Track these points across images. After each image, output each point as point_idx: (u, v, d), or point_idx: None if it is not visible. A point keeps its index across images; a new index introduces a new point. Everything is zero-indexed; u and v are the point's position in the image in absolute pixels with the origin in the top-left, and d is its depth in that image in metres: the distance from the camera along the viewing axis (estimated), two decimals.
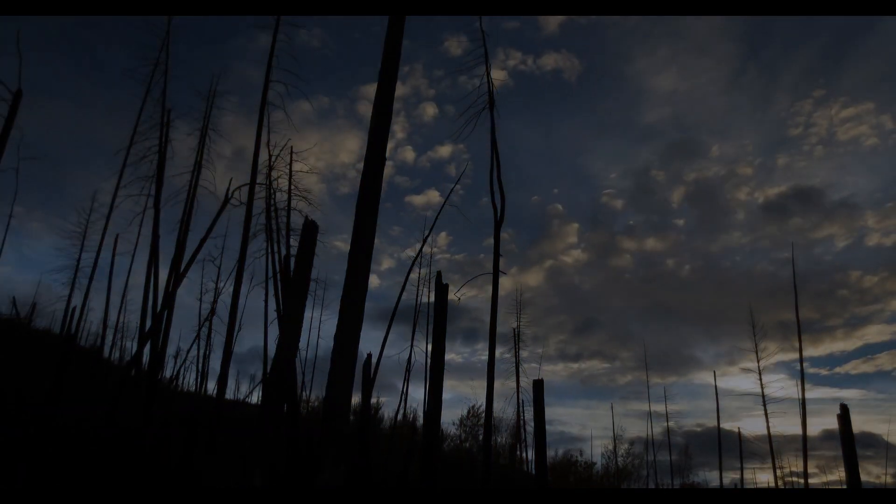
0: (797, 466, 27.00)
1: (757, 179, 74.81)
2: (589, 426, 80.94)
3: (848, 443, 12.02)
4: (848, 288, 61.48)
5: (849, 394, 53.77)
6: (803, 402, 20.23)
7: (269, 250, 16.70)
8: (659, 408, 43.31)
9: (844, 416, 12.14)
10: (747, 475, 29.57)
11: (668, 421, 33.96)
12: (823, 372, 52.26)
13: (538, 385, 13.50)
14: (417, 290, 23.49)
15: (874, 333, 57.97)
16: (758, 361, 24.85)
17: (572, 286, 69.95)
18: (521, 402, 28.35)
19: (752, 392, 24.68)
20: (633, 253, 78.97)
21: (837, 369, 53.03)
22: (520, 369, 28.84)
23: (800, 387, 20.52)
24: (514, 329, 29.90)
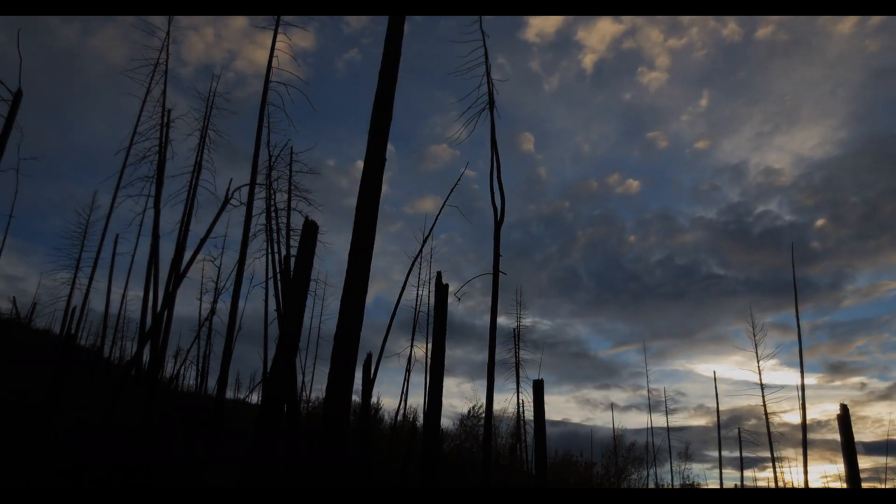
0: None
1: None
2: (567, 412, 77.69)
3: (848, 442, 12.01)
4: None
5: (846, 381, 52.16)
6: (803, 404, 20.22)
7: (269, 250, 16.73)
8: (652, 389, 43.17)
9: (844, 415, 12.13)
10: (748, 473, 29.61)
11: (668, 427, 33.97)
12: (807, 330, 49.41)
13: (538, 385, 13.48)
14: (417, 290, 23.50)
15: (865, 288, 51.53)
16: (758, 363, 24.90)
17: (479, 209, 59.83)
18: (520, 402, 28.36)
19: (751, 382, 24.84)
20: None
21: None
22: (520, 369, 28.87)
23: (799, 389, 20.53)
24: (514, 329, 29.91)
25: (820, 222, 55.99)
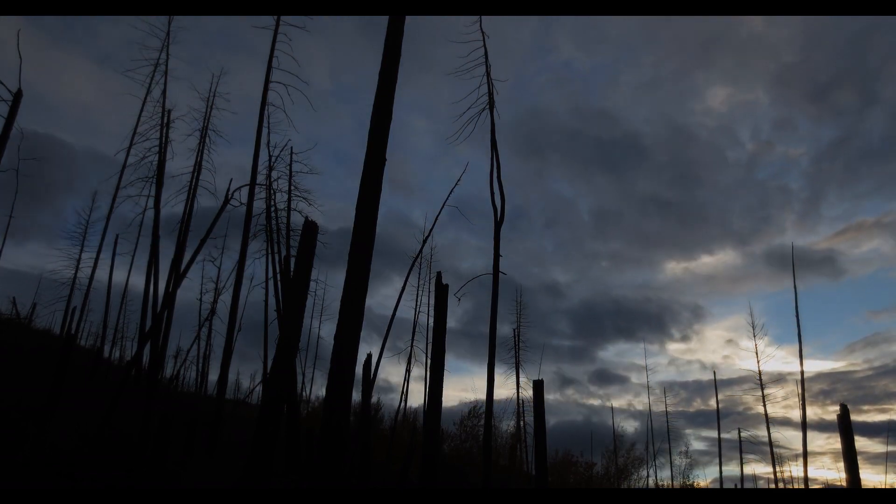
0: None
1: None
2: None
3: (848, 442, 12.01)
4: None
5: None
6: (803, 404, 20.22)
7: (269, 251, 16.74)
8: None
9: (844, 415, 12.12)
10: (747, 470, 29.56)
11: (667, 424, 33.96)
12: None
13: (538, 385, 13.49)
14: (417, 291, 23.51)
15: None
16: (757, 362, 24.91)
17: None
18: (520, 401, 28.34)
19: (751, 380, 24.90)
20: None
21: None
22: (520, 370, 28.84)
23: (800, 388, 20.53)
24: (514, 329, 29.88)
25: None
